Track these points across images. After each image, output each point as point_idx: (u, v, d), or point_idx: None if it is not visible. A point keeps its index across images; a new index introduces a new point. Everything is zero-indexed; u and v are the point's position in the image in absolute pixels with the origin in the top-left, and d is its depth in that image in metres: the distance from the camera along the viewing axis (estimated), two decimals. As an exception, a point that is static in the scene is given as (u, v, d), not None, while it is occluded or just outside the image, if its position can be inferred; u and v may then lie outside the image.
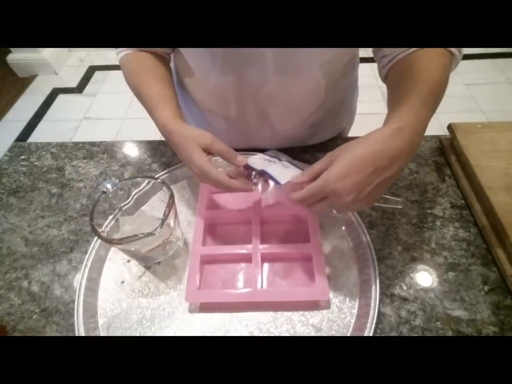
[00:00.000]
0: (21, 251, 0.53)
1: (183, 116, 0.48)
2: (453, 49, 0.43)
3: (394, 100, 0.40)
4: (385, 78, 0.49)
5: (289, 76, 0.50)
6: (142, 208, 0.49)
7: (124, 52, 0.54)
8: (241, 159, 0.45)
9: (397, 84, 0.43)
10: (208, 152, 0.44)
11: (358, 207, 0.37)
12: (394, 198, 0.41)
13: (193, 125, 0.68)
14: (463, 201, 0.55)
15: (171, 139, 0.46)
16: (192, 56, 0.52)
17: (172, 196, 0.44)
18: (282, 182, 0.41)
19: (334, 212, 0.40)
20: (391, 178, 0.36)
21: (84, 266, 0.49)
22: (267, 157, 0.49)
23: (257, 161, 0.48)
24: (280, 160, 0.48)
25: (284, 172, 0.44)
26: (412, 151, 0.36)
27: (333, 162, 0.36)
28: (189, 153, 0.43)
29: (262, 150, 0.61)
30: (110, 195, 0.46)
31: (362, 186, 0.35)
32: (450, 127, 0.60)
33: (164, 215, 0.42)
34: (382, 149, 0.34)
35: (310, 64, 0.49)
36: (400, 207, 0.41)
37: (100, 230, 0.43)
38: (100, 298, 0.47)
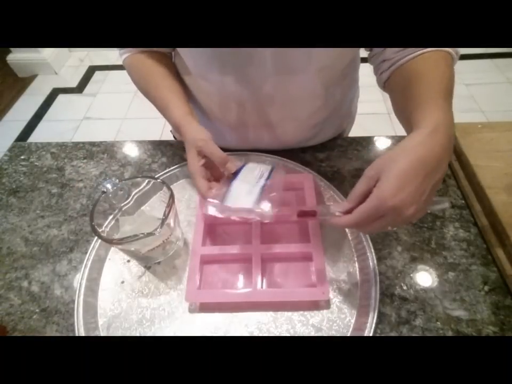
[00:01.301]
0: (21, 251, 0.53)
1: (192, 110, 0.49)
2: (452, 52, 0.43)
3: (413, 104, 0.39)
4: (384, 83, 0.48)
5: (287, 76, 0.50)
6: (142, 208, 0.49)
7: (126, 54, 0.54)
8: (230, 166, 0.43)
9: (407, 88, 0.41)
10: (202, 154, 0.44)
11: (418, 216, 0.35)
12: (440, 198, 0.39)
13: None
14: (463, 201, 0.55)
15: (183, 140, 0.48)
16: (191, 57, 0.52)
17: (172, 196, 0.44)
18: (226, 203, 0.41)
19: (389, 228, 0.37)
20: (441, 179, 0.35)
21: (83, 266, 0.49)
22: (262, 170, 0.46)
23: (251, 168, 0.46)
24: (264, 179, 0.45)
25: (242, 195, 0.42)
26: (452, 147, 0.36)
27: (380, 178, 0.34)
28: (187, 154, 0.45)
29: (262, 151, 0.61)
30: (110, 195, 0.46)
31: (418, 195, 0.33)
32: (450, 127, 0.60)
33: (164, 215, 0.42)
34: (426, 153, 0.33)
35: (308, 66, 0.49)
36: (447, 206, 0.39)
37: (100, 230, 0.43)
38: (100, 298, 0.47)
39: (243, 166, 0.46)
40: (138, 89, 0.55)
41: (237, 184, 0.43)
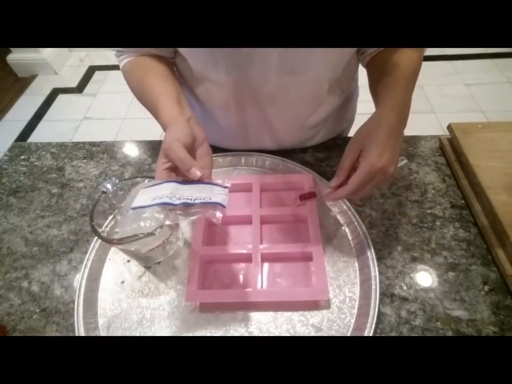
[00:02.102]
0: (21, 251, 0.53)
1: (182, 110, 0.45)
2: None
3: (382, 83, 0.48)
4: (367, 63, 0.55)
5: (292, 76, 0.50)
6: (142, 208, 0.49)
7: (125, 60, 0.53)
8: (193, 172, 0.38)
9: (381, 70, 0.50)
10: (169, 158, 0.39)
11: (395, 173, 0.43)
12: (400, 157, 0.46)
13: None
14: (463, 201, 0.55)
15: None
16: (192, 56, 0.51)
17: (171, 196, 0.43)
18: (131, 204, 0.37)
19: (375, 189, 0.45)
20: (401, 143, 0.45)
21: (83, 266, 0.49)
22: (203, 197, 0.36)
23: (205, 187, 0.38)
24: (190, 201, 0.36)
25: (143, 197, 0.37)
26: (405, 121, 0.45)
27: (364, 149, 0.42)
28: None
29: (262, 151, 0.61)
30: (110, 195, 0.46)
31: (394, 156, 0.42)
32: (450, 127, 0.60)
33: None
34: (391, 124, 0.42)
35: (309, 66, 0.49)
36: (406, 161, 0.48)
37: (100, 230, 0.43)
38: (100, 298, 0.47)
39: (212, 183, 0.39)
40: (135, 96, 0.52)
41: (169, 185, 0.37)
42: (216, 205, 0.36)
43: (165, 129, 0.44)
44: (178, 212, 0.35)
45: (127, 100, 1.95)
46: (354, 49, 0.53)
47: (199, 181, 0.38)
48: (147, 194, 0.37)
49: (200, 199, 0.36)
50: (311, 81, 0.52)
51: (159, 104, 0.46)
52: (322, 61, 0.49)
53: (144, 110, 0.51)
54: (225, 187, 0.39)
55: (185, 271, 0.49)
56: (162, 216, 0.35)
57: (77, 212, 0.58)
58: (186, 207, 0.36)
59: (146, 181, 0.47)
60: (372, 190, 0.43)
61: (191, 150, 0.40)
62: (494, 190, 0.50)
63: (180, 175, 0.39)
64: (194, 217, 0.36)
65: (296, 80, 0.51)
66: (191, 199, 0.35)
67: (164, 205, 0.35)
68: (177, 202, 0.35)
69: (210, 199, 0.36)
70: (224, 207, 0.36)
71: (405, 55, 0.49)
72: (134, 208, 0.36)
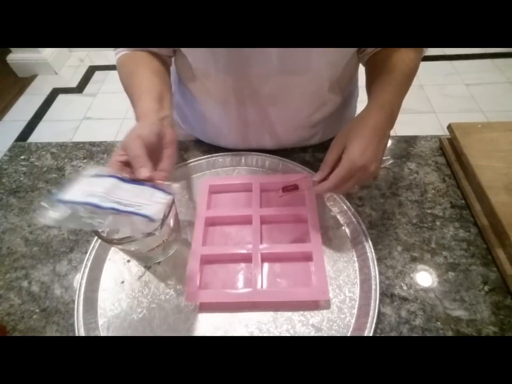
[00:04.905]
0: (21, 251, 0.53)
1: (161, 108, 0.44)
2: None
3: (376, 82, 0.48)
4: (366, 62, 0.55)
5: (292, 75, 0.50)
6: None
7: (121, 52, 0.52)
8: (140, 171, 0.37)
9: (377, 69, 0.50)
10: (126, 153, 0.39)
11: (377, 172, 0.44)
12: (386, 157, 0.47)
13: (193, 124, 0.68)
14: (463, 201, 0.55)
15: None
16: (194, 55, 0.51)
17: (171, 196, 0.43)
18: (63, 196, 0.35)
19: (356, 187, 0.45)
20: (387, 143, 0.45)
21: (83, 266, 0.49)
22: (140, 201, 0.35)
23: (148, 191, 0.37)
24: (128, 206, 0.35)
25: (78, 189, 0.35)
26: (393, 121, 0.46)
27: (347, 145, 0.42)
28: None
29: (262, 151, 0.61)
30: (110, 195, 0.46)
31: (376, 154, 0.42)
32: (450, 127, 0.60)
33: (164, 215, 0.41)
34: (377, 123, 0.43)
35: (315, 64, 0.49)
36: (392, 161, 0.49)
37: (100, 230, 0.43)
38: (100, 298, 0.47)
39: (157, 187, 0.37)
40: (123, 88, 0.52)
41: (109, 181, 0.35)
42: (144, 218, 0.34)
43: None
44: (101, 221, 0.34)
45: (127, 99, 1.93)
46: (355, 48, 0.53)
47: (144, 182, 0.37)
48: (82, 186, 0.35)
49: (130, 206, 0.34)
50: (311, 80, 0.52)
51: (139, 98, 0.45)
52: (322, 61, 0.49)
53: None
54: (169, 194, 0.37)
55: (185, 271, 0.49)
56: (87, 217, 0.33)
57: (77, 212, 0.58)
58: (113, 216, 0.34)
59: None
60: (353, 186, 0.44)
61: (155, 149, 0.40)
62: (494, 190, 0.50)
63: (132, 172, 0.38)
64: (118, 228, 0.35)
65: (296, 80, 0.51)
66: (121, 204, 0.34)
67: (90, 206, 0.33)
68: (106, 205, 0.34)
69: (140, 209, 0.34)
70: (153, 220, 0.34)
71: (403, 56, 0.49)
72: (61, 202, 0.33)
